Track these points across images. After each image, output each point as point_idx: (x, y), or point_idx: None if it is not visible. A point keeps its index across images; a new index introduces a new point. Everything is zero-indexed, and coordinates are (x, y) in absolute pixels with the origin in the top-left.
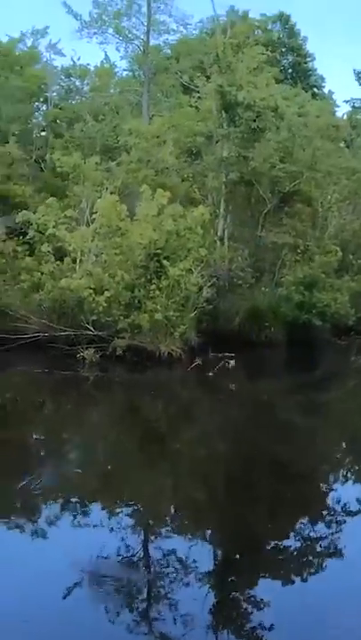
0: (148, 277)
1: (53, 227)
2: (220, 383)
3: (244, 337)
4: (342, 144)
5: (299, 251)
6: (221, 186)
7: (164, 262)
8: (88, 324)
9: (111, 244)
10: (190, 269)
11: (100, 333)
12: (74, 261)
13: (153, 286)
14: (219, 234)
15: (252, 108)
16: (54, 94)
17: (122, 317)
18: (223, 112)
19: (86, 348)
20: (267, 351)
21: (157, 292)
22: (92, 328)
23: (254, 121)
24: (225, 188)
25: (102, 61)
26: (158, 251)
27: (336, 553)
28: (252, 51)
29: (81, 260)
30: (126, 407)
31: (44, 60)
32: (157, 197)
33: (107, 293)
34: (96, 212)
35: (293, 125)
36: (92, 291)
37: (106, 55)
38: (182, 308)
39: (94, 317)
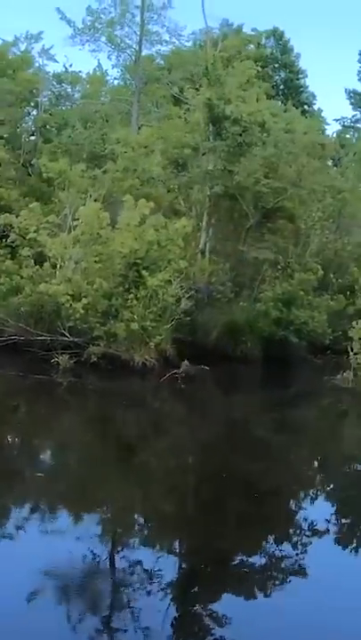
0: (127, 286)
1: (35, 231)
2: (193, 396)
3: (221, 351)
4: (330, 162)
5: (279, 267)
6: (205, 199)
7: (143, 272)
8: (64, 329)
9: (91, 252)
10: (170, 280)
11: (75, 340)
12: (53, 267)
13: (131, 295)
14: (200, 246)
15: (240, 123)
16: (45, 99)
17: (98, 325)
18: (210, 125)
19: (61, 354)
20: (242, 366)
21: (135, 302)
22: (68, 334)
23: (240, 135)
24: (209, 201)
25: (95, 69)
26: (138, 260)
27: (300, 571)
28: (242, 65)
29: (60, 266)
30: (97, 415)
31: (37, 64)
32: (140, 207)
33: (84, 300)
34: (78, 219)
35: (280, 141)
36: (69, 297)
37: (99, 63)
38: (159, 319)
39: (71, 324)
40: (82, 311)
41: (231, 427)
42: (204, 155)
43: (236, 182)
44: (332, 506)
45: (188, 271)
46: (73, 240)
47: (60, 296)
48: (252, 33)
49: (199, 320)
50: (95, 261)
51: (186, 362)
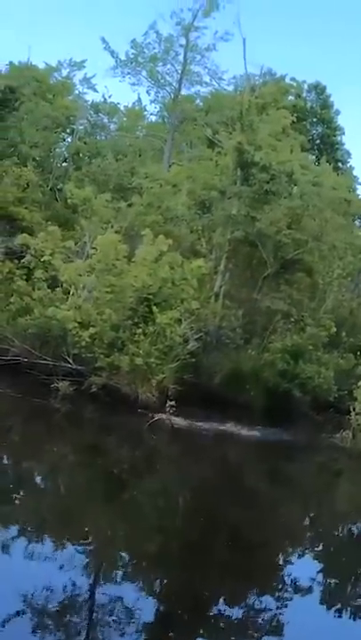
0: (136, 320)
1: (50, 254)
2: (189, 438)
3: (223, 396)
4: (358, 222)
5: (292, 319)
6: (225, 242)
7: (154, 308)
8: (69, 356)
9: (104, 282)
10: (180, 319)
11: (78, 368)
12: (66, 293)
13: (139, 330)
14: (215, 290)
15: (268, 170)
16: (81, 127)
17: (102, 356)
18: (239, 169)
19: (62, 380)
20: (242, 414)
21: (142, 337)
22: (71, 361)
23: (267, 183)
24: (228, 245)
25: (134, 103)
26: (150, 296)
27: (276, 628)
28: (277, 113)
29: (72, 293)
30: (86, 444)
31: (77, 92)
32: (158, 243)
33: (92, 329)
34: (96, 248)
35: (306, 194)
36: (77, 324)
37: (138, 97)
38: (164, 357)
39: (75, 351)
40: (88, 340)
41: (221, 473)
42: (229, 198)
43: (258, 229)
44: (316, 563)
45: (200, 313)
46: (87, 268)
47: (68, 322)
48: (293, 83)
49: (205, 363)
50: (107, 292)
51: (172, 402)
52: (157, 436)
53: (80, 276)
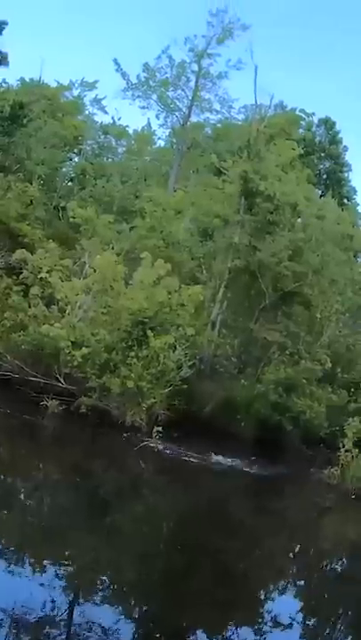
0: (130, 343)
1: (48, 272)
2: (175, 466)
3: (213, 425)
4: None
5: (287, 352)
6: (225, 270)
7: (149, 332)
8: (60, 375)
9: (101, 303)
10: (174, 345)
11: (69, 387)
12: (61, 311)
13: (132, 353)
14: (212, 317)
15: (272, 200)
16: (88, 148)
17: (94, 376)
18: (243, 198)
19: (52, 399)
20: (231, 444)
21: (135, 360)
22: (62, 380)
23: (271, 213)
24: (228, 274)
25: (143, 127)
26: (145, 319)
27: None
28: (284, 144)
29: (67, 311)
30: (73, 467)
31: (87, 112)
32: (157, 267)
33: (85, 349)
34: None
35: (309, 226)
36: (71, 343)
37: (148, 122)
38: (156, 382)
39: (67, 370)
40: (80, 360)
41: (200, 504)
42: (232, 226)
43: (259, 259)
44: (297, 599)
45: (196, 340)
46: (84, 287)
47: (61, 340)
48: (303, 116)
49: (197, 390)
50: (102, 312)
51: (159, 428)
52: (142, 462)
53: (77, 295)
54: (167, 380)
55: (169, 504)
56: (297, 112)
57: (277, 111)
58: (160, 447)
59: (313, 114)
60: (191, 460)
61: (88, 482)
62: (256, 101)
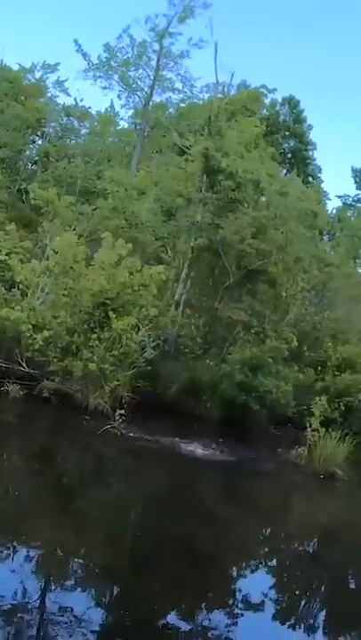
0: (92, 325)
1: (7, 254)
2: (138, 448)
3: (179, 407)
4: (325, 237)
5: (253, 331)
6: (188, 250)
7: (111, 314)
8: (22, 359)
9: (61, 284)
10: (138, 326)
11: (31, 371)
12: (23, 294)
13: (94, 335)
14: (176, 298)
15: (234, 178)
16: (51, 130)
17: (56, 360)
18: (204, 176)
19: (13, 383)
20: (195, 426)
21: (97, 342)
22: (25, 365)
23: (233, 190)
24: (191, 253)
25: (107, 109)
26: (107, 301)
27: None
28: (246, 121)
29: (28, 294)
30: (33, 452)
31: (49, 94)
32: (117, 247)
33: (46, 332)
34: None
35: (272, 204)
36: (31, 327)
37: (111, 103)
38: (119, 364)
39: (29, 354)
40: (41, 343)
41: (165, 486)
42: (194, 205)
43: (222, 237)
44: (268, 578)
45: (159, 320)
46: (44, 269)
47: (21, 324)
48: (262, 90)
49: (162, 372)
50: (63, 295)
51: (122, 411)
52: (105, 447)
53: (37, 277)
54: (130, 362)
55: (134, 488)
56: (259, 88)
57: (240, 90)
58: (123, 431)
59: (275, 90)
60: (156, 443)
61: (51, 467)
62: (217, 78)
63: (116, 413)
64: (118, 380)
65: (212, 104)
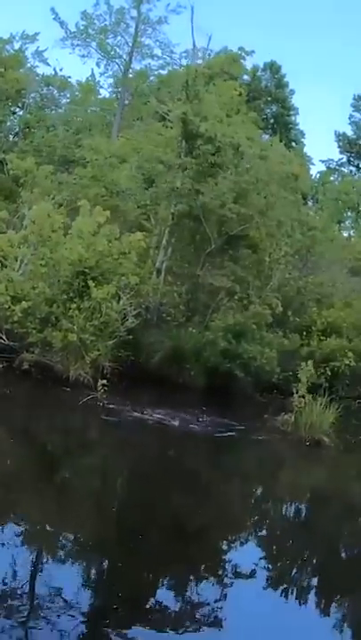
0: (71, 295)
1: None
2: (121, 419)
3: (162, 376)
4: (310, 202)
5: (236, 297)
6: (168, 216)
7: (90, 283)
8: (1, 332)
9: (39, 254)
10: (118, 295)
11: (11, 344)
12: (3, 266)
13: (74, 305)
14: (157, 265)
15: (213, 142)
16: (31, 101)
17: (35, 331)
18: (183, 141)
19: None
20: (179, 395)
21: (77, 312)
22: (4, 337)
23: (213, 155)
24: (171, 220)
25: (88, 78)
26: (86, 270)
27: (217, 616)
28: (224, 85)
29: (5, 265)
30: (17, 425)
31: (29, 65)
32: (95, 215)
33: (24, 304)
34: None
35: (253, 168)
36: (10, 298)
37: (92, 73)
38: (100, 333)
39: (8, 327)
40: (20, 315)
41: (151, 455)
42: (173, 170)
43: (202, 203)
44: (258, 548)
45: (140, 289)
46: (21, 240)
47: None
48: (240, 53)
49: (144, 341)
50: (41, 265)
51: (104, 381)
52: (86, 418)
53: (13, 247)
54: (111, 332)
55: (117, 461)
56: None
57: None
58: (105, 401)
59: (252, 52)
60: (138, 412)
61: (31, 440)
62: (194, 42)
63: (98, 384)
64: (99, 350)
65: (188, 68)
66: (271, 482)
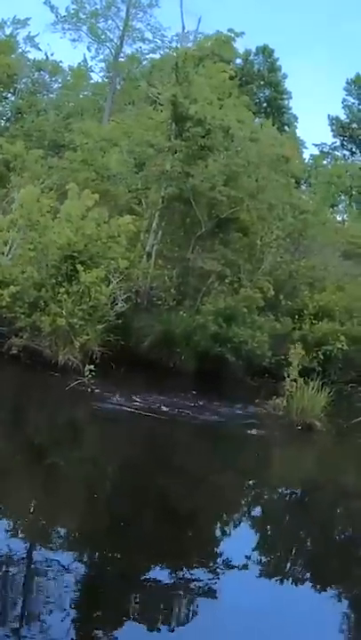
0: (59, 279)
1: None
2: (109, 403)
3: (152, 360)
4: (304, 186)
5: (227, 281)
6: (159, 200)
7: (79, 267)
8: None
9: (27, 239)
10: (109, 278)
11: (0, 329)
12: None
13: (62, 289)
14: (147, 249)
15: (203, 124)
16: (23, 86)
17: (23, 316)
18: (173, 124)
19: None
20: (170, 380)
21: (65, 297)
22: None
23: (203, 137)
24: (162, 203)
25: (80, 63)
26: (74, 253)
27: (210, 601)
28: (214, 67)
29: None
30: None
31: (20, 50)
32: (83, 198)
33: (13, 288)
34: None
35: (243, 150)
36: None
37: (84, 58)
38: (89, 318)
39: None
40: (8, 299)
41: (140, 446)
42: (163, 153)
43: (192, 185)
44: (250, 535)
45: (130, 272)
46: (9, 223)
47: None
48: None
49: (134, 325)
50: (29, 249)
51: (92, 367)
52: (74, 404)
53: (2, 231)
54: (100, 316)
55: (105, 448)
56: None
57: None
58: (93, 386)
59: (243, 33)
60: (127, 397)
61: (19, 426)
62: (183, 24)
63: (85, 368)
64: (88, 335)
65: (178, 51)
66: (261, 466)
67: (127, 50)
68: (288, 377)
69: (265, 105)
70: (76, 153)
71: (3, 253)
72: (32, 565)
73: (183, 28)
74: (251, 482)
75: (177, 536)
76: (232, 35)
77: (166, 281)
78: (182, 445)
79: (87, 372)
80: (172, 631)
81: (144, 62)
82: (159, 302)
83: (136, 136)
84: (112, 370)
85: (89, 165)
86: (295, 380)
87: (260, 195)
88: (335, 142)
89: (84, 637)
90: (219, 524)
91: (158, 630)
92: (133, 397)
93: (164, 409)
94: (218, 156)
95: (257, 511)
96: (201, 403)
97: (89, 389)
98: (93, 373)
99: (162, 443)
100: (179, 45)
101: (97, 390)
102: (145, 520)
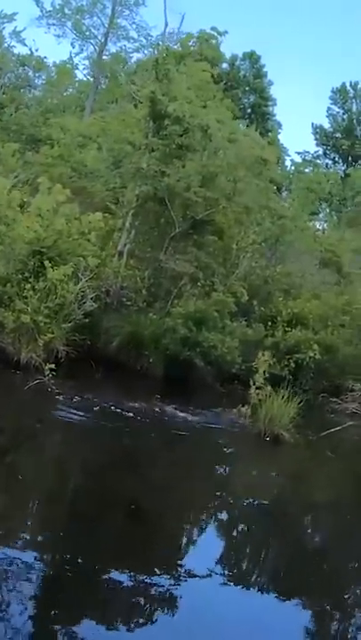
0: (26, 275)
1: None
2: (71, 404)
3: (120, 362)
4: (285, 193)
5: (199, 284)
6: (133, 198)
7: (46, 263)
8: None
9: None
10: (78, 276)
11: None
12: None
13: (28, 285)
14: (119, 248)
15: (181, 123)
16: (7, 81)
17: None
18: (151, 121)
19: None
20: (137, 382)
21: (31, 293)
22: None
23: (181, 136)
24: (136, 202)
25: (65, 60)
26: (43, 249)
27: (171, 602)
28: (195, 65)
29: None
30: None
31: (5, 45)
32: (54, 193)
33: None
34: None
35: (221, 150)
36: None
37: (70, 55)
38: (54, 316)
39: None
40: None
41: (103, 450)
42: (139, 150)
43: (167, 185)
44: (213, 542)
45: (101, 271)
46: None
47: None
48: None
49: (103, 325)
50: None
51: (52, 365)
52: (31, 402)
53: None
54: (67, 314)
55: (67, 451)
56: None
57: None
58: (53, 387)
59: (226, 32)
60: (90, 399)
61: None
62: (166, 21)
63: (46, 367)
64: (53, 333)
65: (158, 47)
66: (227, 479)
67: (112, 48)
68: (253, 384)
69: (249, 111)
70: (52, 148)
71: None
72: None
73: (166, 24)
74: (215, 492)
75: (140, 539)
76: (215, 33)
77: (137, 281)
78: (145, 448)
79: (47, 372)
80: (132, 631)
81: (129, 62)
82: (129, 303)
83: (114, 133)
84: (77, 370)
85: (65, 161)
86: (260, 388)
87: (236, 197)
88: (318, 151)
89: (42, 633)
90: (182, 528)
91: (117, 630)
92: (95, 400)
93: (127, 412)
94: (195, 155)
95: (219, 522)
96: (166, 407)
97: (49, 389)
98: (54, 373)
99: (123, 444)
100: (161, 43)
101: (57, 390)
102: (108, 521)
